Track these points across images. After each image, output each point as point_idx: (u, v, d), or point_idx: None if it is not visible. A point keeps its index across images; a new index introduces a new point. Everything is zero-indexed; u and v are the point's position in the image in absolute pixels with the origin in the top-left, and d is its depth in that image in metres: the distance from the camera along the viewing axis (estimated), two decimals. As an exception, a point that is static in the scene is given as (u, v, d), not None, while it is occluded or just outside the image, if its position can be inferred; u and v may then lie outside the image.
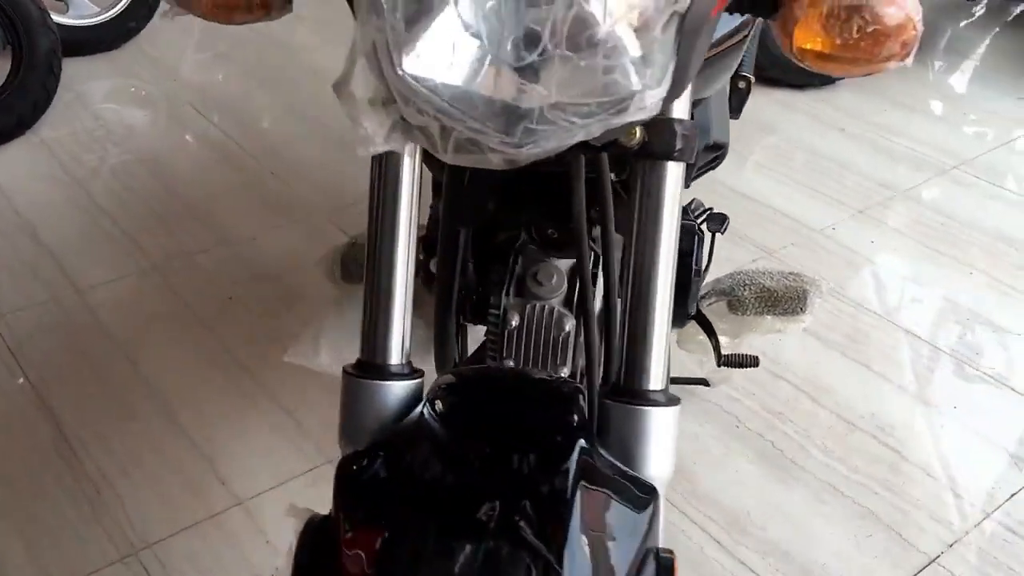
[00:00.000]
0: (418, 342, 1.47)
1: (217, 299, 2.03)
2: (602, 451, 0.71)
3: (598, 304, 1.14)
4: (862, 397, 1.84)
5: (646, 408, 0.74)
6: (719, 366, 1.39)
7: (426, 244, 1.34)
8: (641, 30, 0.55)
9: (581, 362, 1.15)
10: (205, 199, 2.39)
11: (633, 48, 0.55)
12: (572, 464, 0.67)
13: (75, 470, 1.63)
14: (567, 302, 1.15)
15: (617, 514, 0.67)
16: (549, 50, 0.54)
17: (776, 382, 1.86)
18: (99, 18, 2.97)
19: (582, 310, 0.99)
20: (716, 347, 1.37)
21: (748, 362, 1.40)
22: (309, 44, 3.16)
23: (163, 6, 0.78)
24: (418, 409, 0.75)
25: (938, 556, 1.56)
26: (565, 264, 1.19)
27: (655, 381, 0.75)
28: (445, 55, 0.55)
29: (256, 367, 1.86)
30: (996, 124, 2.87)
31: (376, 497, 0.69)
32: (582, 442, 0.69)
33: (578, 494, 0.65)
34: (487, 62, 0.55)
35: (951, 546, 1.57)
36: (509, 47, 0.54)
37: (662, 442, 0.74)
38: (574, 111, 0.56)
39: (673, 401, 0.75)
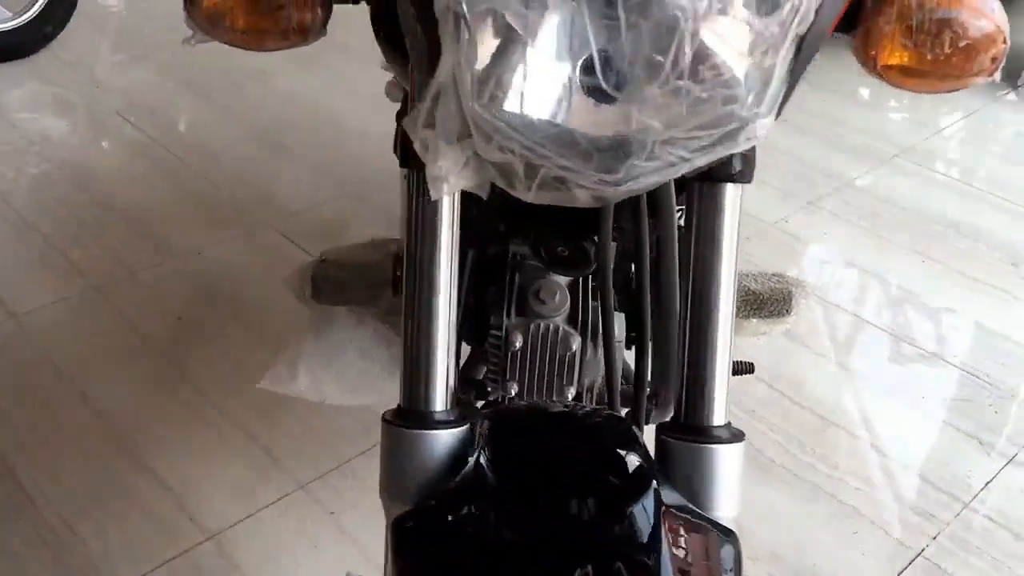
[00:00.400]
0: (396, 362, 1.42)
1: (166, 320, 1.93)
2: (674, 492, 0.68)
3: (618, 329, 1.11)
4: (834, 393, 1.84)
5: (712, 446, 0.70)
6: (715, 374, 1.37)
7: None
8: (763, 56, 0.51)
9: (587, 382, 1.11)
10: (141, 211, 2.27)
11: (753, 75, 0.51)
12: (652, 513, 0.63)
13: (32, 518, 1.52)
14: (571, 320, 1.10)
15: (704, 565, 0.63)
16: (670, 82, 0.49)
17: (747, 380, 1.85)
18: (12, 23, 2.81)
19: (639, 339, 0.95)
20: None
21: (745, 369, 1.37)
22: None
23: (185, 32, 0.70)
24: (472, 460, 0.69)
25: (923, 550, 1.56)
26: (563, 280, 1.14)
27: (718, 416, 0.71)
28: (536, 89, 0.50)
29: (216, 393, 1.77)
30: (929, 111, 2.92)
31: (440, 561, 0.64)
32: (655, 485, 0.65)
33: (665, 545, 0.61)
34: (587, 98, 0.50)
35: (935, 538, 1.58)
36: (612, 80, 0.49)
37: (730, 481, 0.70)
38: (684, 145, 0.52)
39: (738, 437, 0.71)
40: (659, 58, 0.48)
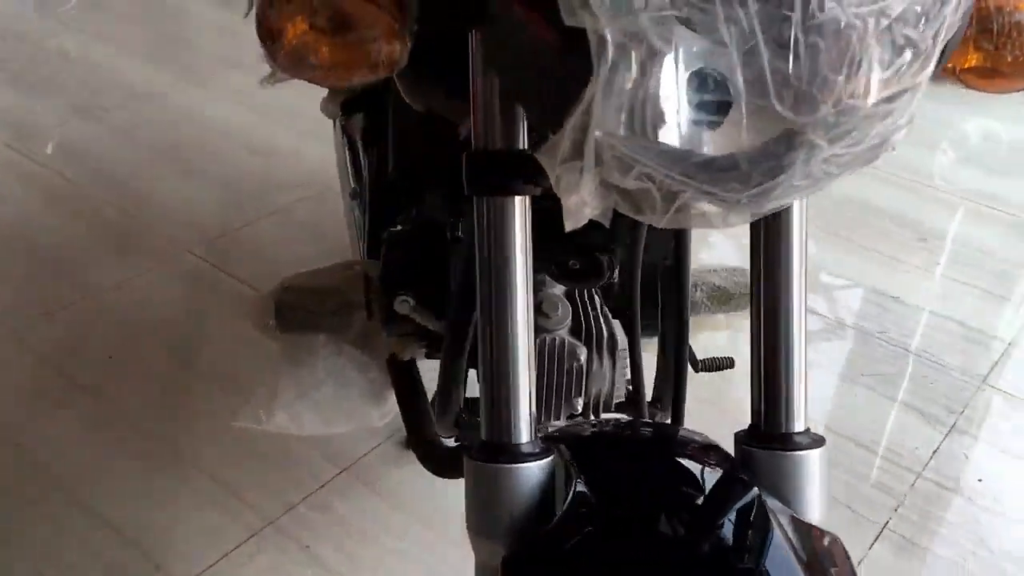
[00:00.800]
0: (373, 387, 1.38)
1: (95, 361, 1.83)
2: (773, 499, 0.68)
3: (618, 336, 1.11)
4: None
5: (799, 452, 0.70)
6: (696, 371, 1.38)
7: (387, 280, 1.25)
8: (919, 68, 0.51)
9: (594, 391, 1.10)
10: (48, 248, 2.14)
11: (909, 88, 0.51)
12: (763, 522, 0.63)
13: (-13, 584, 1.42)
14: (574, 331, 1.09)
15: (821, 568, 0.63)
16: (843, 101, 0.48)
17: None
18: None
19: (675, 349, 0.95)
20: (691, 354, 1.36)
21: (724, 364, 1.39)
22: (116, 63, 2.91)
23: (263, 72, 0.66)
24: (571, 490, 0.68)
25: (887, 522, 1.62)
26: (560, 290, 1.14)
27: (799, 423, 0.72)
28: (688, 116, 0.49)
29: (164, 432, 1.68)
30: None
31: None
32: (758, 494, 0.65)
33: (782, 553, 0.61)
34: (746, 120, 0.49)
35: (896, 511, 1.64)
36: (788, 101, 0.48)
37: (817, 487, 0.70)
38: (835, 161, 0.52)
39: (819, 442, 0.72)
40: (834, 77, 0.48)
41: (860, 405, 1.85)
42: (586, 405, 1.11)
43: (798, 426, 0.72)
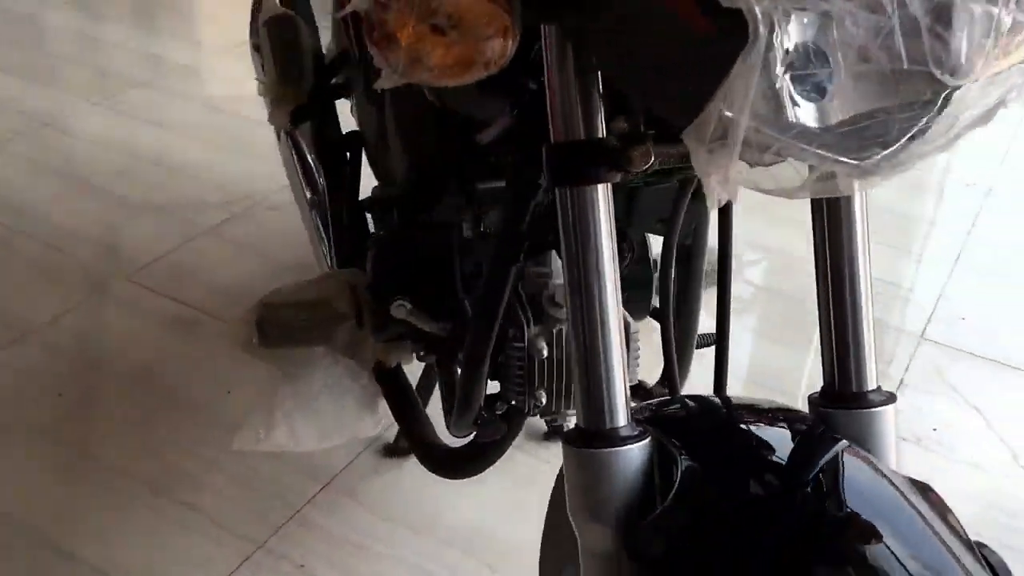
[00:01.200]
0: (366, 394, 1.37)
1: (44, 399, 1.74)
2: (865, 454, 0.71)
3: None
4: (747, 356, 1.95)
5: (874, 409, 0.74)
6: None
7: (379, 286, 1.24)
8: None
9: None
10: (-31, 288, 2.04)
11: None
12: (868, 477, 0.66)
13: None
14: None
15: (931, 513, 0.66)
16: (991, 65, 0.51)
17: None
18: None
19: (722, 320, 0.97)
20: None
21: (709, 341, 1.43)
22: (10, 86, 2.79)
23: (384, 75, 0.64)
24: (677, 468, 0.69)
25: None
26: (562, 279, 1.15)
27: (871, 380, 0.75)
28: (837, 90, 0.51)
29: (130, 466, 1.62)
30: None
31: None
32: (849, 448, 0.68)
33: (894, 504, 0.64)
34: (893, 88, 0.51)
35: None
36: (949, 66, 0.50)
37: (893, 442, 0.74)
38: (965, 122, 0.54)
39: (892, 398, 0.75)
40: (983, 41, 0.51)
41: (814, 370, 1.91)
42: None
43: (870, 384, 0.75)
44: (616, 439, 0.71)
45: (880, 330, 2.02)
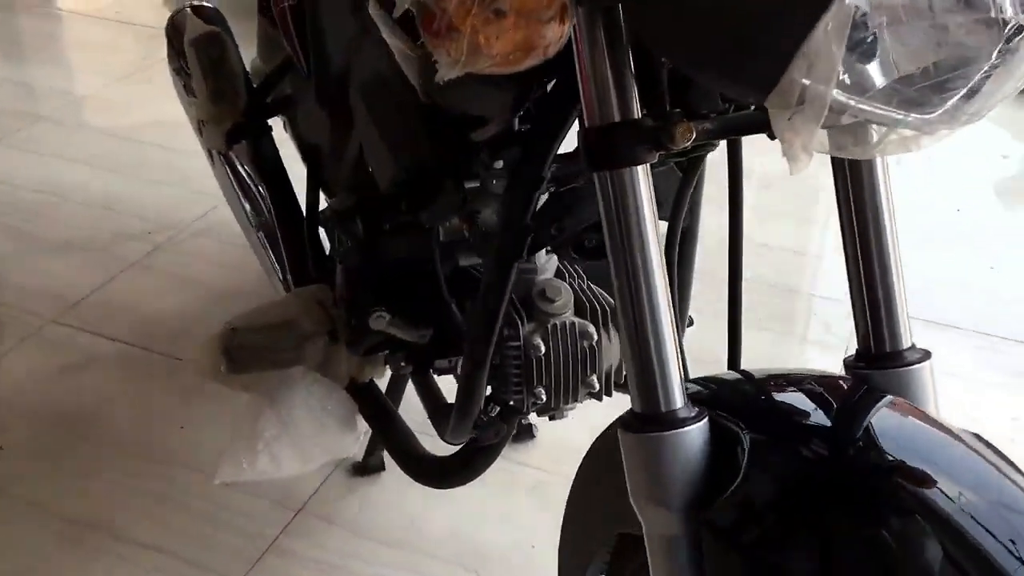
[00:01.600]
0: (344, 412, 1.33)
1: (-16, 454, 1.65)
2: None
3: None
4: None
5: (912, 367, 0.75)
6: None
7: (354, 298, 1.21)
8: None
9: (605, 366, 1.11)
10: None
11: None
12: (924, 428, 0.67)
13: None
14: (579, 311, 1.10)
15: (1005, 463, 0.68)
16: None
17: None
18: None
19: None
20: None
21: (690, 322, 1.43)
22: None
23: (443, 67, 0.61)
24: (743, 446, 0.69)
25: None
26: (550, 274, 1.14)
27: (906, 340, 0.76)
28: (906, 49, 0.51)
29: (85, 514, 1.54)
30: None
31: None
32: (914, 407, 0.70)
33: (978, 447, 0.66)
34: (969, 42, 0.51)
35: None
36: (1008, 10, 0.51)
37: (932, 397, 0.75)
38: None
39: (928, 355, 0.76)
40: None
41: (764, 346, 1.95)
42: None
43: (905, 343, 0.76)
44: (675, 421, 0.70)
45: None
